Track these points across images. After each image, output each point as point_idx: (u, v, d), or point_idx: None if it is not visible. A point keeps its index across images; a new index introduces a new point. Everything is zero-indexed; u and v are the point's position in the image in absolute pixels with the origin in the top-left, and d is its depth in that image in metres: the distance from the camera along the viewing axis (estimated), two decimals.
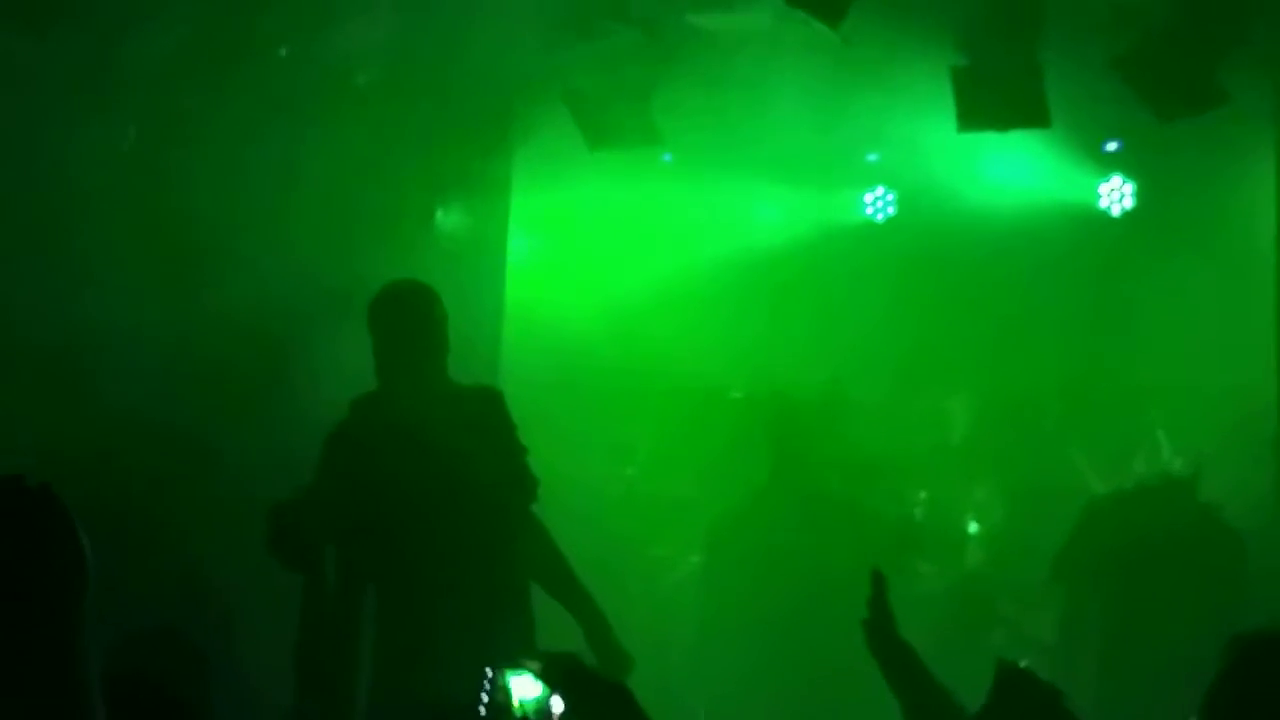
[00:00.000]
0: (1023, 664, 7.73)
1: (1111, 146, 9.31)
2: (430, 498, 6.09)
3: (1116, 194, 9.43)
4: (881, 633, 4.50)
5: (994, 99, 7.45)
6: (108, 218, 7.91)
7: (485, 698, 4.96)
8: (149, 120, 8.11)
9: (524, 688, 4.75)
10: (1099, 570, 7.96)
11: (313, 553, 5.71)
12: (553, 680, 4.66)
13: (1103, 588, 7.92)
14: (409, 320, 6.29)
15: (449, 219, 9.42)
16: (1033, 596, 8.56)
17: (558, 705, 4.78)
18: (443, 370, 6.31)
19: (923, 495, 9.56)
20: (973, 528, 9.54)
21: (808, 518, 8.29)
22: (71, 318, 7.72)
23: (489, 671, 5.02)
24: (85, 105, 7.76)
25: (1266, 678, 3.53)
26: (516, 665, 4.85)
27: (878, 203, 9.97)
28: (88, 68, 7.65)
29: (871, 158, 9.81)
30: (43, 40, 7.20)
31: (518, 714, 4.77)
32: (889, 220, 9.96)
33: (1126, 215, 9.46)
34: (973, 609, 8.72)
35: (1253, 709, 3.52)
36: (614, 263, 10.03)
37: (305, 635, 5.59)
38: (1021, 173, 9.34)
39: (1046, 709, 4.15)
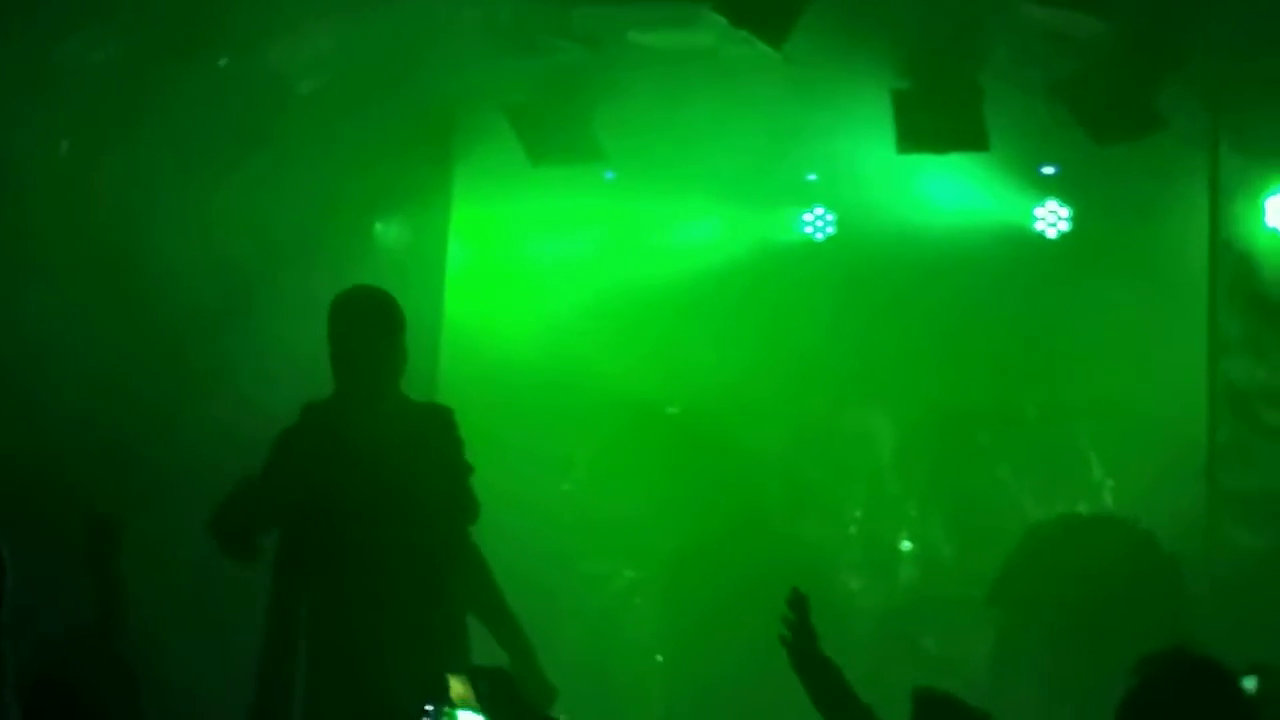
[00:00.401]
0: (949, 685, 7.82)
1: (1048, 170, 9.32)
2: (372, 509, 5.99)
3: (1052, 217, 9.42)
4: (803, 651, 4.50)
5: (933, 121, 7.50)
6: (42, 222, 7.89)
7: None
8: (86, 126, 8.04)
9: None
10: (1037, 597, 8.03)
11: (250, 540, 5.85)
12: (479, 692, 4.66)
13: (1040, 614, 7.99)
14: (373, 328, 6.17)
15: (389, 230, 9.39)
16: (964, 616, 8.61)
17: None
18: (397, 383, 6.23)
19: (856, 514, 9.59)
20: (904, 545, 9.56)
21: (744, 539, 8.37)
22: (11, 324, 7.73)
23: (429, 707, 5.01)
24: (20, 108, 7.70)
25: (1167, 696, 3.52)
26: (447, 684, 4.83)
27: (816, 222, 9.92)
28: (23, 71, 7.60)
29: (811, 177, 9.79)
30: None
31: None
32: (828, 239, 9.92)
33: (1062, 238, 9.46)
34: (904, 625, 8.76)
35: None
36: (553, 278, 9.98)
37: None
38: (959, 195, 9.33)
39: None
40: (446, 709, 4.91)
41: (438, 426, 6.27)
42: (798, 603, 4.52)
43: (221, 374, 7.72)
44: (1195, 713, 3.50)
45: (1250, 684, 4.51)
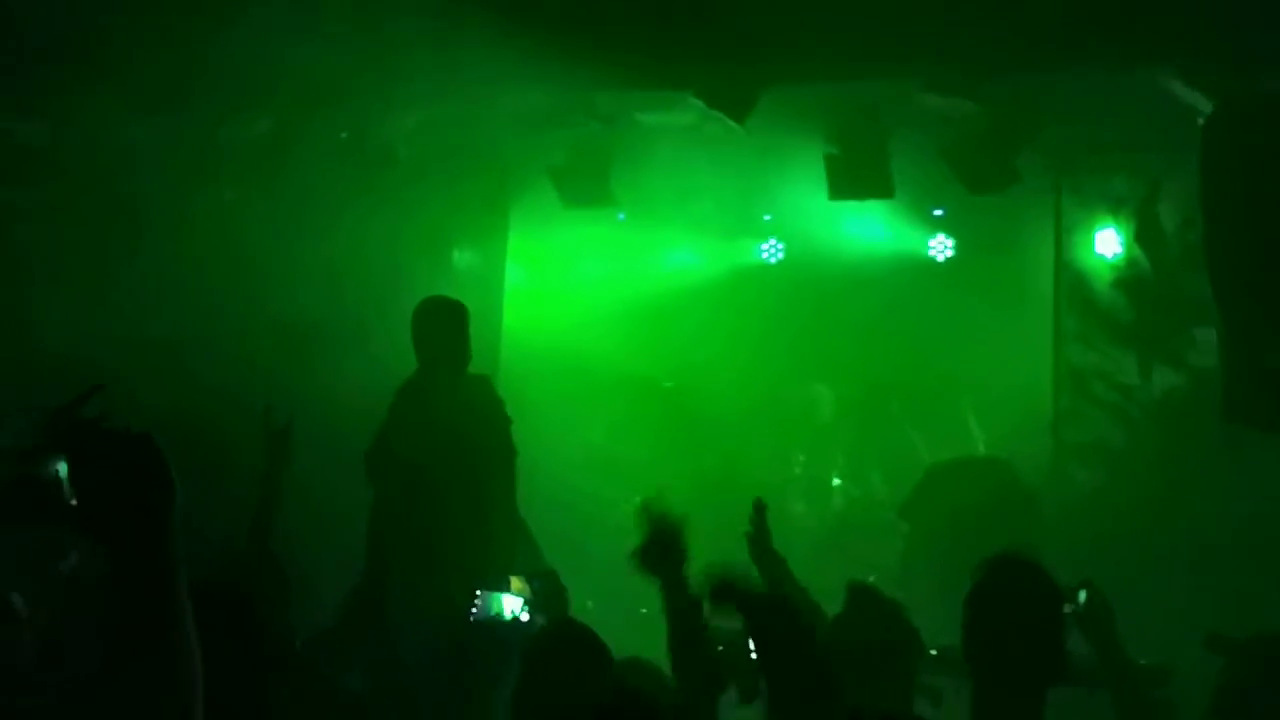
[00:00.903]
0: (871, 580, 7.82)
1: (938, 212, 9.37)
2: (445, 451, 6.08)
3: (941, 246, 9.49)
4: (759, 544, 4.61)
5: (854, 177, 7.54)
6: (209, 250, 7.94)
7: (475, 608, 4.87)
8: (243, 181, 8.10)
9: (508, 603, 4.67)
10: (933, 516, 8.07)
11: (392, 473, 5.95)
12: (534, 589, 4.60)
13: (935, 528, 8.01)
14: (446, 324, 6.24)
15: (463, 256, 9.42)
16: (881, 531, 8.65)
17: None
18: (465, 366, 6.28)
19: (801, 458, 9.67)
20: (836, 481, 9.64)
21: (718, 476, 8.40)
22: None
23: (479, 592, 4.94)
24: (190, 175, 7.80)
25: (998, 588, 3.49)
26: (503, 584, 4.73)
27: (771, 250, 9.97)
28: (200, 140, 7.69)
29: (767, 218, 9.83)
30: (153, 120, 7.18)
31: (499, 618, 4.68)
32: (779, 263, 9.96)
33: (948, 262, 9.52)
34: (836, 539, 8.82)
35: (990, 614, 3.45)
36: (581, 291, 10.00)
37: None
38: (874, 229, 9.40)
39: (889, 616, 4.19)
40: (494, 597, 4.86)
41: (485, 390, 6.38)
42: (759, 509, 4.64)
43: (335, 360, 7.70)
44: (1017, 601, 3.45)
45: (1082, 596, 4.50)
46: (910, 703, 3.94)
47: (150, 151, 7.57)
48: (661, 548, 3.81)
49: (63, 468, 1.97)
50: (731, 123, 6.64)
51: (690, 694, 3.54)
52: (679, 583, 3.73)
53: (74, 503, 1.96)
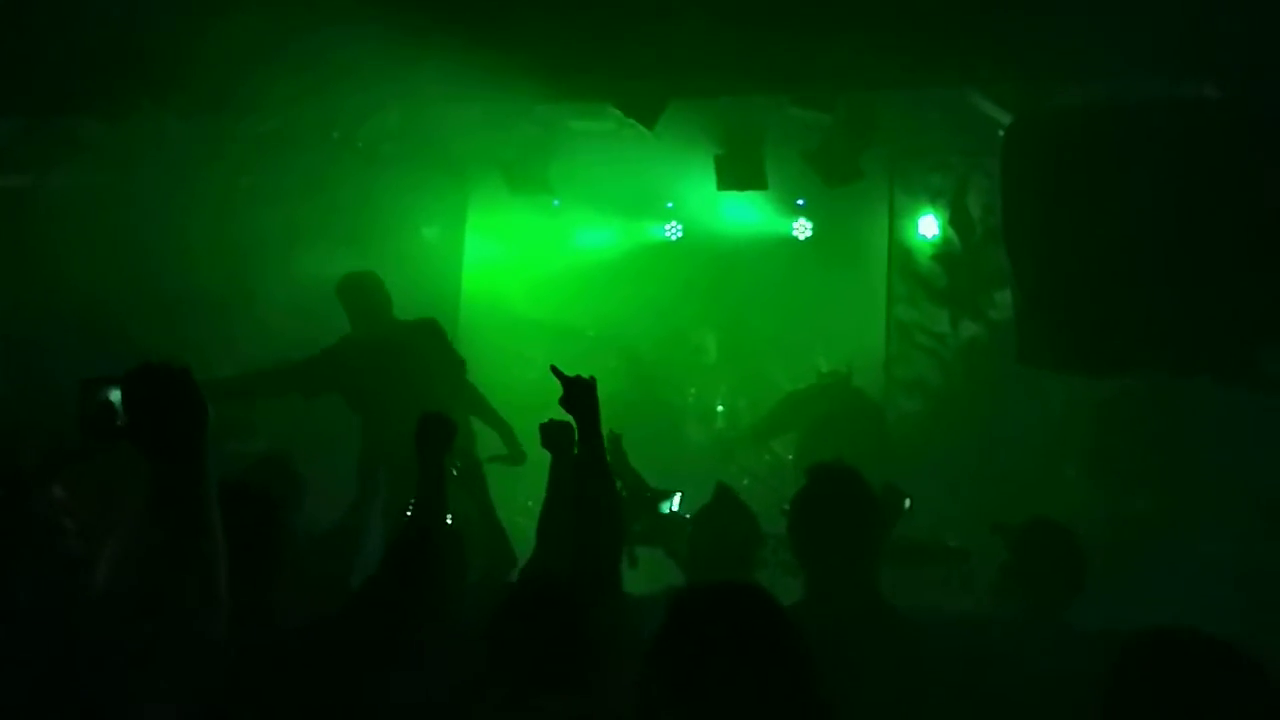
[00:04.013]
0: (745, 482, 7.80)
1: (800, 201, 9.31)
2: (401, 366, 6.04)
3: (802, 228, 9.44)
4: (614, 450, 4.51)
5: (736, 171, 7.47)
6: (227, 225, 7.75)
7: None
8: (254, 170, 7.88)
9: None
10: (795, 425, 8.12)
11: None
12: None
13: (796, 438, 8.09)
14: (365, 287, 6.27)
15: (430, 232, 9.31)
16: (753, 444, 8.71)
17: None
18: (389, 313, 6.21)
19: (692, 390, 9.67)
20: (719, 408, 9.65)
21: (631, 400, 8.40)
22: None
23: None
24: (210, 163, 7.57)
25: (820, 489, 3.33)
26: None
27: (672, 230, 9.86)
28: (215, 139, 7.45)
29: (669, 204, 9.72)
30: (189, 121, 6.97)
31: None
32: (678, 240, 9.86)
33: (808, 240, 9.47)
34: (718, 450, 8.83)
35: (810, 513, 3.30)
36: (525, 262, 9.83)
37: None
38: (751, 214, 9.33)
39: (737, 508, 4.07)
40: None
41: (430, 326, 6.29)
42: (615, 439, 4.46)
43: (327, 315, 7.44)
44: (829, 496, 3.29)
45: (907, 504, 4.46)
46: (750, 577, 3.77)
47: (181, 145, 7.33)
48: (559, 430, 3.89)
49: (115, 395, 1.94)
50: (643, 128, 6.53)
51: (587, 562, 3.29)
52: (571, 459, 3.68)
53: (121, 424, 1.93)
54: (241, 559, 2.71)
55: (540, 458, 4.40)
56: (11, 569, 2.76)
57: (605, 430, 3.74)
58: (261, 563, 2.91)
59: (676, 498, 4.13)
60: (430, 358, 6.12)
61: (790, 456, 8.16)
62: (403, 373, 5.99)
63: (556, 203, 9.34)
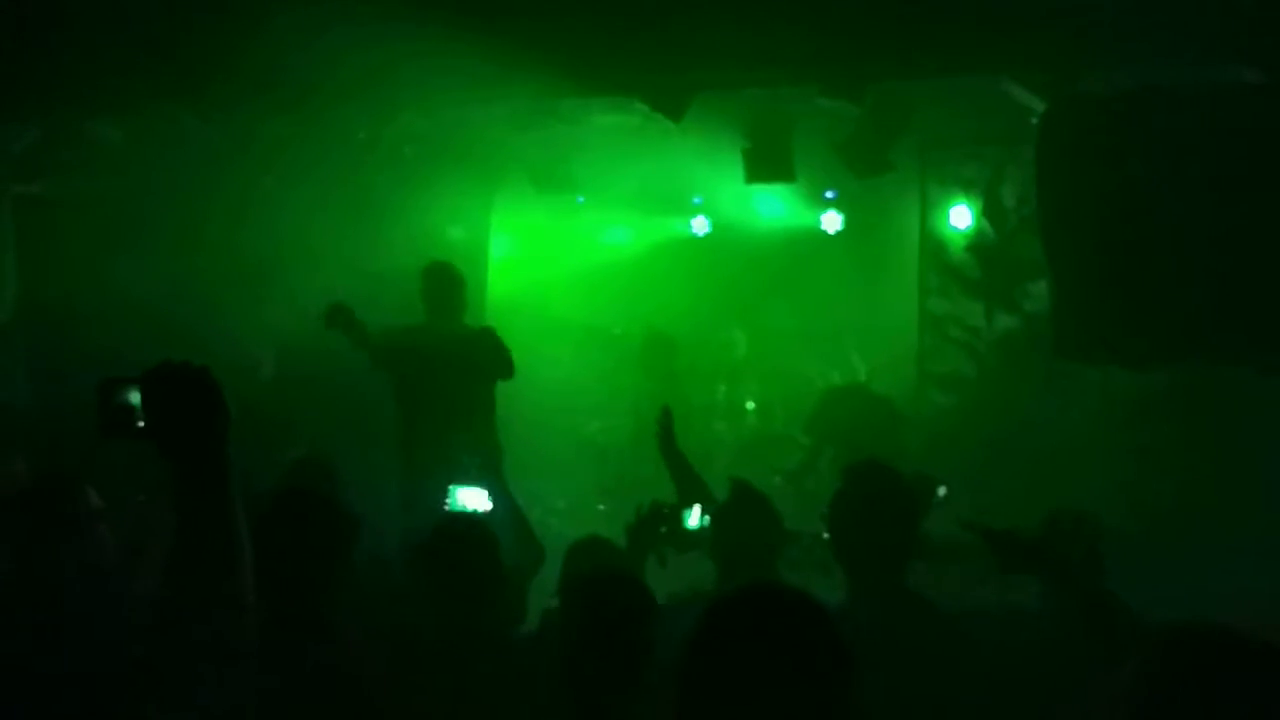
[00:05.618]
0: (776, 480, 7.77)
1: (830, 194, 9.26)
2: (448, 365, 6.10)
3: (833, 221, 9.39)
4: (666, 443, 4.57)
5: (765, 165, 7.42)
6: (251, 221, 7.79)
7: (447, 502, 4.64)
8: (280, 168, 7.88)
9: (471, 499, 4.41)
10: (828, 430, 8.10)
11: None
12: None
13: (830, 440, 8.07)
14: (445, 279, 6.30)
15: (456, 232, 9.30)
16: (785, 443, 8.68)
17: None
18: (461, 314, 6.32)
19: (722, 387, 9.61)
20: (749, 405, 9.60)
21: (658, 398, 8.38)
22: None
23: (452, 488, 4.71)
24: (234, 160, 7.58)
25: (857, 489, 3.29)
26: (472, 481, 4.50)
27: (700, 225, 9.84)
28: (239, 138, 7.47)
29: (697, 199, 9.70)
30: (209, 120, 7.00)
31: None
32: (706, 236, 9.84)
33: (838, 234, 9.42)
34: (750, 450, 8.82)
35: (848, 512, 3.26)
36: (550, 259, 9.85)
37: None
38: (780, 207, 9.31)
39: (759, 505, 4.02)
40: (472, 475, 4.61)
41: (487, 333, 6.38)
42: (666, 415, 4.59)
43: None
44: (870, 496, 3.25)
45: (942, 491, 4.40)
46: (775, 574, 3.77)
47: (203, 146, 7.35)
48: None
49: (135, 396, 1.92)
50: (669, 122, 6.52)
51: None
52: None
53: (141, 424, 1.92)
54: (305, 567, 2.74)
55: (563, 457, 4.43)
56: (48, 577, 2.79)
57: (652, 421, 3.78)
58: (324, 573, 2.88)
59: (696, 510, 4.10)
60: (484, 366, 6.18)
61: (820, 456, 8.12)
62: (457, 374, 6.05)
63: (581, 200, 9.33)
